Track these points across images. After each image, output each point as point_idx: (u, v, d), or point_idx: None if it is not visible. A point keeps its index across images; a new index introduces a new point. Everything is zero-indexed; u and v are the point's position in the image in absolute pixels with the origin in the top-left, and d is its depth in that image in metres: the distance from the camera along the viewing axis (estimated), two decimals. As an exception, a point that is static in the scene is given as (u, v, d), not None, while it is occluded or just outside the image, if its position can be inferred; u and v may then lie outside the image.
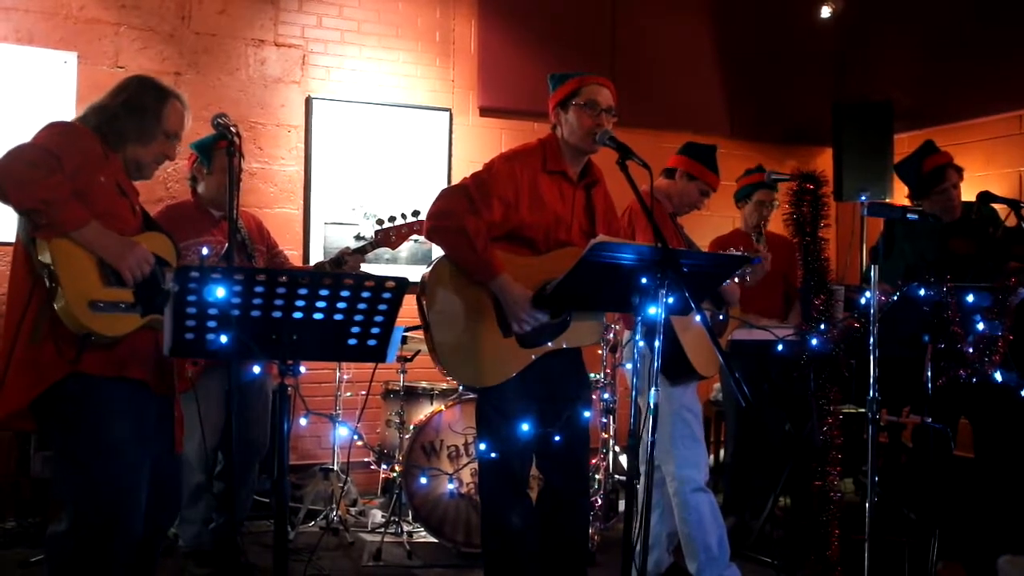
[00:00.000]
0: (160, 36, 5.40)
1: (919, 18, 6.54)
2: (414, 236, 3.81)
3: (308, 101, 5.77)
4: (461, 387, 4.56)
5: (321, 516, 4.93)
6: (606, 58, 6.47)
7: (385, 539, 4.50)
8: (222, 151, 3.57)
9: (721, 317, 3.92)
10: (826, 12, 6.91)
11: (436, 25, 6.17)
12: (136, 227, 2.87)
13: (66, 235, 2.59)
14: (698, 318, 2.71)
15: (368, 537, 4.76)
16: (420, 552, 4.52)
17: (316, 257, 5.55)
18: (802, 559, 3.98)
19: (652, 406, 2.67)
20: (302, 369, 2.43)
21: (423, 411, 4.73)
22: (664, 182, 4.01)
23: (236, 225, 3.08)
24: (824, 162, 6.75)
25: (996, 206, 4.38)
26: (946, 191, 4.40)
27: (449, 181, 5.94)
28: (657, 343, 2.70)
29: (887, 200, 6.15)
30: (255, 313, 2.24)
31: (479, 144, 6.17)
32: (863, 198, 3.67)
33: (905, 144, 6.36)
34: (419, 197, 5.64)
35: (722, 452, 5.78)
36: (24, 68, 5.03)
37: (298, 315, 2.27)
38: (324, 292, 2.26)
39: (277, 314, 2.26)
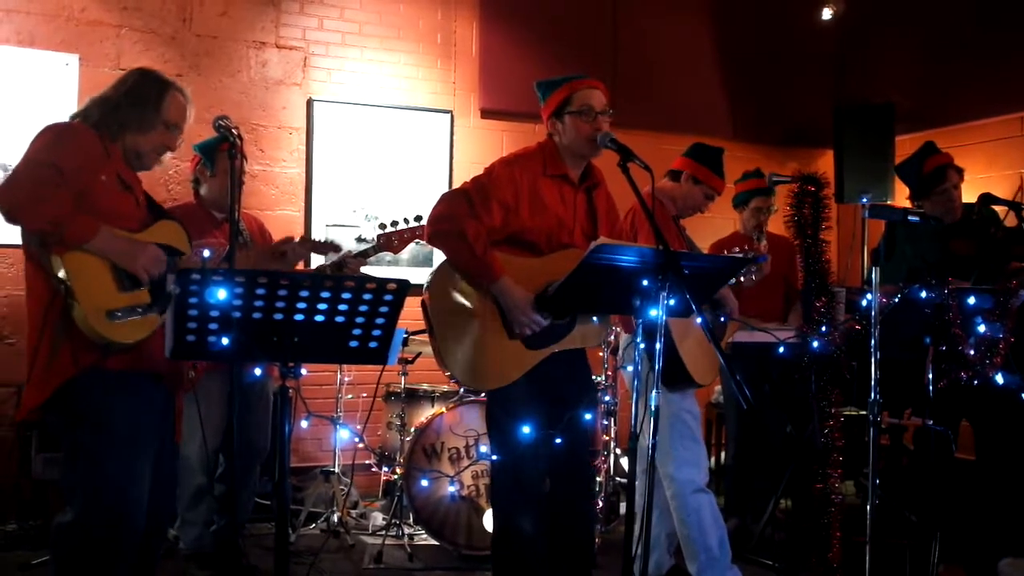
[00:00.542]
0: (162, 38, 5.41)
1: (920, 20, 6.54)
2: (417, 240, 3.81)
3: (309, 103, 5.77)
4: (462, 389, 4.56)
5: (322, 518, 4.93)
6: (607, 60, 6.47)
7: (386, 541, 4.50)
8: (224, 153, 3.57)
9: (723, 319, 3.92)
10: (827, 14, 6.91)
11: (437, 27, 6.17)
12: (141, 219, 2.89)
13: (79, 248, 2.63)
14: (699, 320, 2.71)
15: (369, 539, 4.76)
16: (421, 554, 4.52)
17: (317, 260, 5.54)
18: (803, 561, 3.98)
19: (653, 409, 2.67)
20: (303, 371, 2.44)
21: (424, 413, 4.73)
22: (668, 184, 4.00)
23: (238, 227, 3.08)
24: (825, 164, 6.75)
25: (997, 208, 4.38)
26: (947, 191, 4.40)
27: (450, 183, 5.94)
28: (658, 346, 2.70)
29: (888, 202, 6.15)
30: (256, 315, 2.24)
31: (480, 146, 6.17)
32: (864, 200, 3.66)
33: (906, 146, 6.35)
34: (420, 199, 5.65)
35: (723, 454, 5.78)
36: (26, 70, 5.03)
37: (299, 317, 2.27)
38: (325, 294, 2.26)
39: (278, 316, 2.26)
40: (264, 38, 5.70)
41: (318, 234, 5.69)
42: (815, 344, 3.66)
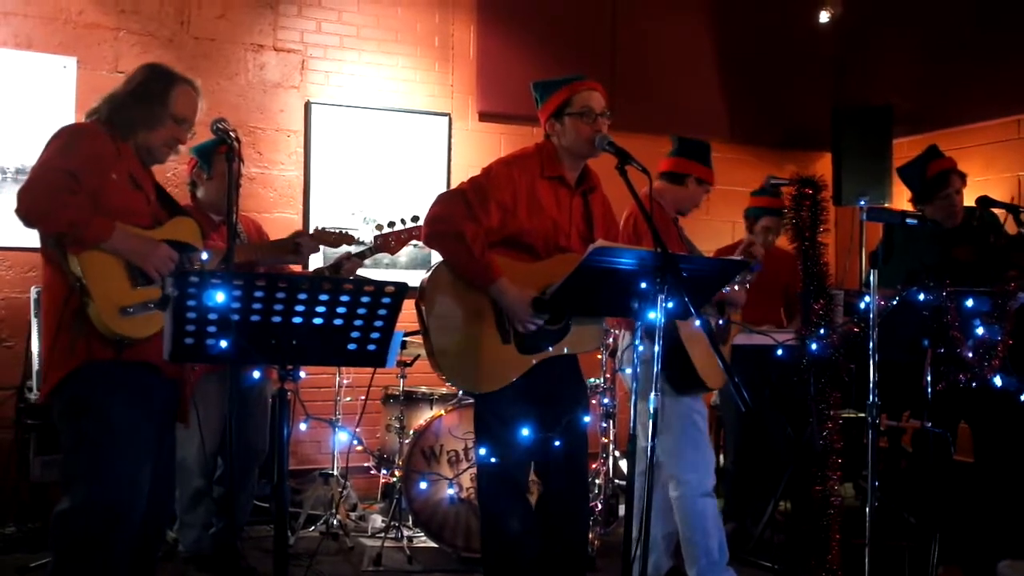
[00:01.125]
0: (159, 41, 5.40)
1: (918, 22, 6.54)
2: (414, 241, 3.81)
3: (307, 106, 5.77)
4: (461, 392, 4.56)
5: (321, 521, 4.92)
6: (606, 62, 6.47)
7: (385, 544, 4.49)
8: (222, 156, 3.57)
9: (720, 322, 3.92)
10: (825, 16, 6.92)
11: (435, 30, 6.17)
12: (152, 216, 2.93)
13: (94, 247, 2.71)
14: (698, 323, 2.71)
15: (368, 542, 4.75)
16: (420, 557, 4.51)
17: (315, 262, 5.54)
18: (802, 564, 3.97)
19: (652, 411, 2.67)
20: (302, 374, 2.44)
21: (423, 416, 4.73)
22: (667, 186, 3.97)
23: (235, 230, 3.08)
24: (823, 166, 6.75)
25: (995, 210, 4.39)
26: (949, 196, 4.40)
27: (448, 186, 5.94)
28: (657, 348, 2.70)
29: (886, 204, 6.15)
30: (255, 318, 2.24)
31: (478, 149, 6.17)
32: (862, 202, 3.67)
33: (904, 148, 6.36)
34: (418, 202, 5.64)
35: (722, 457, 5.77)
36: (23, 73, 5.03)
37: (298, 320, 2.27)
38: (324, 297, 2.26)
39: (277, 319, 2.26)
40: (262, 41, 5.70)
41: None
42: (814, 346, 3.65)
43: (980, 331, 3.68)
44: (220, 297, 2.18)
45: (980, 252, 4.28)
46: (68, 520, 2.77)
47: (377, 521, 5.05)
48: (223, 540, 4.09)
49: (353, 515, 5.16)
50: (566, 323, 3.18)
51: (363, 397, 4.07)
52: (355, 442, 4.77)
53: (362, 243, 3.91)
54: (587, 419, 3.32)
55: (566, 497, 3.27)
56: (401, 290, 2.32)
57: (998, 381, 3.71)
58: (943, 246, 4.34)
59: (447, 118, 6.14)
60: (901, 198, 6.20)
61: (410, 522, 4.72)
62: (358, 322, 2.33)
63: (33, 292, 4.58)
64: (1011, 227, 4.32)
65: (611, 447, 4.90)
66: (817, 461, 3.69)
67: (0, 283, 5.01)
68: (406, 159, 6.00)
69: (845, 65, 7.16)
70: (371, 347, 2.39)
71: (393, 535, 4.66)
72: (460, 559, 4.42)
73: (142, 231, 2.83)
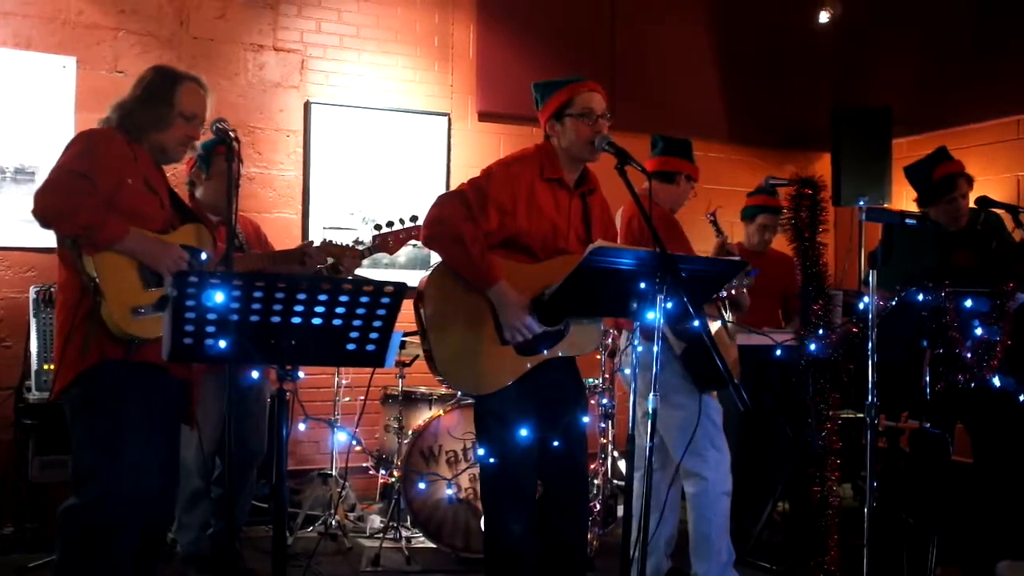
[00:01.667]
0: (159, 41, 5.40)
1: (918, 23, 6.55)
2: (412, 240, 3.80)
3: (307, 106, 5.77)
4: (459, 392, 4.55)
5: (320, 521, 4.92)
6: (605, 63, 6.47)
7: (384, 544, 4.50)
8: (221, 156, 3.58)
9: (720, 323, 3.92)
10: (825, 17, 6.93)
11: (435, 30, 6.17)
12: (165, 220, 2.98)
13: (109, 248, 2.76)
14: (696, 324, 2.71)
15: (367, 542, 4.75)
16: (418, 557, 4.51)
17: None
18: (801, 565, 3.97)
19: (651, 412, 2.67)
20: (300, 374, 2.43)
21: (422, 416, 4.73)
22: (658, 185, 3.95)
23: (234, 230, 3.08)
24: (823, 167, 6.75)
25: (995, 211, 4.38)
26: (954, 200, 4.37)
27: (448, 186, 5.94)
28: (656, 348, 2.70)
29: (886, 205, 6.15)
30: (253, 318, 2.24)
31: (478, 149, 6.17)
32: (861, 203, 3.67)
33: (904, 149, 6.37)
34: (418, 202, 5.62)
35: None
36: (23, 73, 5.02)
37: (296, 320, 2.27)
38: (323, 297, 2.26)
39: (276, 319, 2.25)
40: (262, 41, 5.70)
41: (315, 237, 5.68)
42: (812, 347, 3.66)
43: (979, 332, 3.68)
44: (219, 297, 2.18)
45: (980, 258, 4.26)
46: (76, 515, 2.81)
47: (376, 521, 5.05)
48: (221, 541, 4.09)
49: (352, 515, 5.16)
50: (565, 326, 3.17)
51: (362, 397, 4.06)
52: (354, 442, 4.78)
53: (362, 243, 3.91)
54: (586, 420, 3.32)
55: (565, 498, 3.27)
56: (400, 290, 2.32)
57: (996, 382, 3.71)
58: (943, 249, 4.34)
59: (446, 118, 6.14)
60: (900, 198, 6.21)
61: (409, 522, 4.72)
62: (357, 322, 2.33)
63: (32, 292, 4.57)
64: (1011, 228, 4.32)
65: (610, 447, 4.91)
66: (816, 462, 3.70)
67: (0, 283, 5.02)
68: (405, 159, 5.99)
69: (844, 66, 7.16)
70: (370, 347, 2.39)
71: (392, 535, 4.66)
72: (459, 559, 4.42)
73: (155, 235, 2.88)
